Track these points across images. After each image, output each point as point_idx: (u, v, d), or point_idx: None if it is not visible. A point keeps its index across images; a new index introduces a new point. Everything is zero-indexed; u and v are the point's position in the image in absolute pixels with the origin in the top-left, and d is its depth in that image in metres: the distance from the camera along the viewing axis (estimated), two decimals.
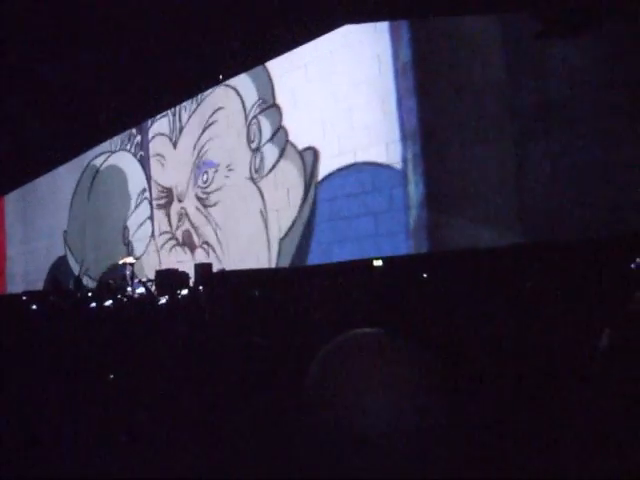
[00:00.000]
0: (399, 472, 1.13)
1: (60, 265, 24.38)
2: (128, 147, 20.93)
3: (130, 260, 16.64)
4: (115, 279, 19.81)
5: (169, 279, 14.65)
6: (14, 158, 22.21)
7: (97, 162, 22.47)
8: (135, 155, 20.53)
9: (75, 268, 23.13)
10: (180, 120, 18.43)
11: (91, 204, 22.88)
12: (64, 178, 24.13)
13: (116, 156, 21.57)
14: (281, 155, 14.87)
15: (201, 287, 12.55)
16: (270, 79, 15.24)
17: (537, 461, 1.83)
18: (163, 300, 8.64)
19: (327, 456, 1.18)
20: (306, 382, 1.24)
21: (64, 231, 24.32)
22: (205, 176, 17.31)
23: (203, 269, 14.67)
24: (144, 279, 17.22)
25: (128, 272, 16.30)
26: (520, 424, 2.05)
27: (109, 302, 8.19)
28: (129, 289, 15.80)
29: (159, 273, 16.10)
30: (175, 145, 18.62)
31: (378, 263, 10.79)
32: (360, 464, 1.15)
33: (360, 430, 1.14)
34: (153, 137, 19.67)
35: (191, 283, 14.60)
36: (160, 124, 19.31)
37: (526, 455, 1.85)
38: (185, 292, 10.18)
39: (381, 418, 1.13)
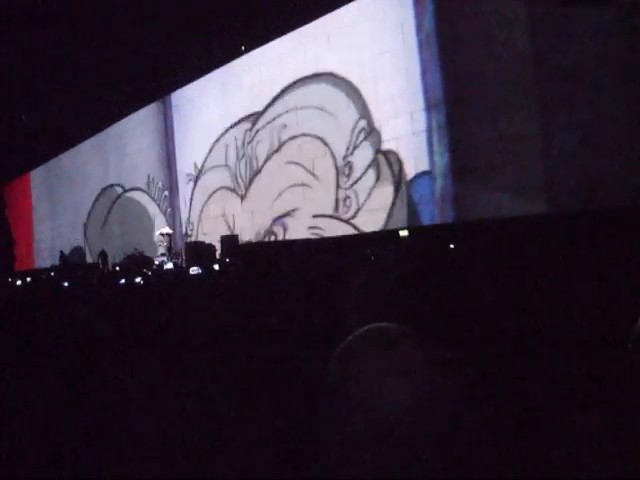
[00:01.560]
0: (411, 467, 1.16)
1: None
2: None
3: (167, 230, 16.68)
4: (141, 252, 19.98)
5: (197, 251, 14.77)
6: (39, 133, 22.42)
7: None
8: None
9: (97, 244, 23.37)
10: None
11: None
12: (89, 154, 24.29)
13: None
14: None
15: (227, 259, 12.64)
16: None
17: (562, 461, 1.83)
18: (193, 271, 8.71)
19: (340, 450, 1.22)
20: (327, 373, 1.27)
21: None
22: None
23: (229, 241, 14.76)
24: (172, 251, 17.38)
25: (165, 243, 16.35)
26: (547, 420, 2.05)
27: (138, 278, 8.24)
28: (164, 260, 15.95)
29: (187, 245, 16.24)
30: None
31: (404, 233, 10.78)
32: (373, 458, 1.18)
33: (378, 424, 1.17)
34: None
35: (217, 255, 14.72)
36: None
37: (548, 454, 1.86)
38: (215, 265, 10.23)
39: (398, 414, 1.15)
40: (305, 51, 14.77)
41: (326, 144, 14.16)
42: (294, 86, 15.10)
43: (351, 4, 13.33)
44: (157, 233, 17.72)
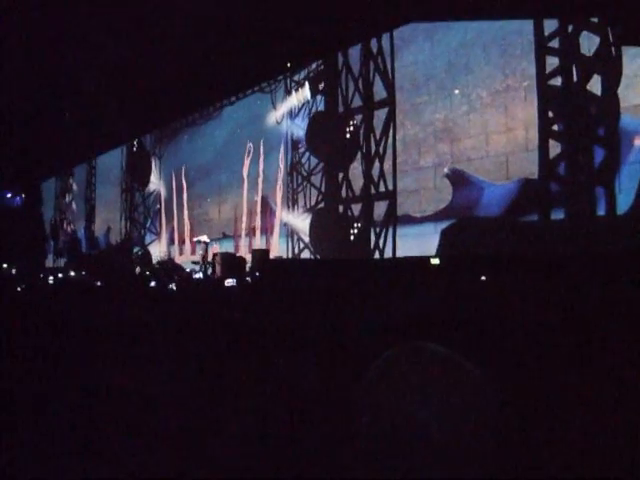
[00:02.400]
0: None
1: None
2: None
3: (204, 239, 16.84)
4: (172, 259, 20.25)
5: (228, 263, 14.91)
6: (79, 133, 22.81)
7: None
8: None
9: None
10: None
11: None
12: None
13: None
14: None
15: (257, 273, 12.75)
16: None
17: None
18: (228, 283, 8.81)
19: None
20: (359, 389, 1.32)
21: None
22: None
23: (260, 255, 14.89)
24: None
25: (201, 251, 16.48)
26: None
27: (172, 284, 8.38)
28: (194, 269, 16.13)
29: (219, 256, 16.40)
30: None
31: (435, 261, 10.79)
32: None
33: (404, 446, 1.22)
34: None
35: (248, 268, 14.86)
36: None
37: None
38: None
39: (427, 437, 1.19)
40: None
41: None
42: None
43: None
44: (194, 239, 17.95)
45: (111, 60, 16.86)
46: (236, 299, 6.27)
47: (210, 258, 15.79)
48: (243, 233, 18.87)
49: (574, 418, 2.26)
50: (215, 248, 17.22)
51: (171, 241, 22.66)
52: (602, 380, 2.62)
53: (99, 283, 9.02)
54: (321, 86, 16.18)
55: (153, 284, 10.08)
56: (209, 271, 15.56)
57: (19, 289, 10.45)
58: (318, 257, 15.47)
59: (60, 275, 15.90)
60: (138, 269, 18.09)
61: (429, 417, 1.28)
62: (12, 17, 14.15)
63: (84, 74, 18.39)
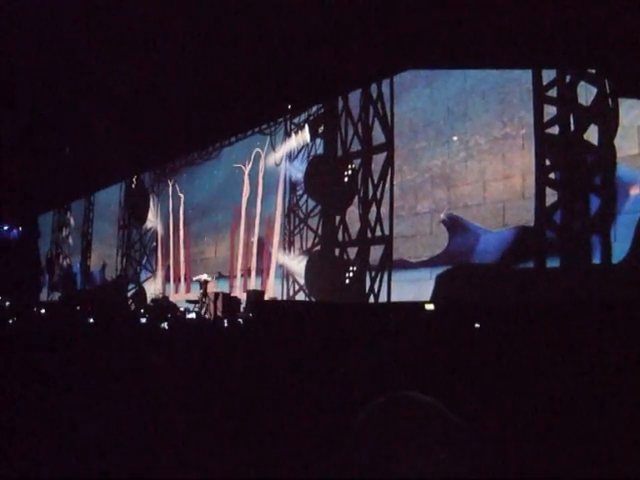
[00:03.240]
0: None
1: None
2: None
3: (205, 277, 16.79)
4: (166, 297, 20.18)
5: (222, 303, 14.90)
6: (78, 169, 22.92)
7: None
8: None
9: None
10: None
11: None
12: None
13: None
14: None
15: (251, 314, 12.70)
16: None
17: None
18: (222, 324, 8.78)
19: None
20: (348, 437, 1.30)
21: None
22: None
23: (255, 296, 14.85)
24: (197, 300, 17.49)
25: (201, 290, 16.39)
26: None
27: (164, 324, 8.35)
28: (188, 308, 16.08)
29: (220, 296, 16.34)
30: None
31: (429, 307, 10.69)
32: None
33: None
34: None
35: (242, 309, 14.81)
36: None
37: None
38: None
39: None
40: None
41: None
42: None
43: None
44: (194, 279, 17.92)
45: (113, 96, 16.97)
46: (227, 340, 6.24)
47: (211, 297, 15.74)
48: (239, 273, 18.81)
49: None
50: (211, 286, 17.10)
51: (167, 279, 22.58)
52: (599, 433, 2.59)
53: (91, 320, 8.97)
54: (321, 129, 16.26)
55: (144, 321, 10.03)
56: (203, 310, 15.49)
57: (10, 321, 10.42)
58: (313, 299, 15.41)
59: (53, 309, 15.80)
60: (132, 306, 18.02)
61: (413, 468, 1.24)
62: (15, 45, 14.30)
63: (85, 109, 18.50)
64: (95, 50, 14.39)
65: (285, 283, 16.72)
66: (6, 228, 30.69)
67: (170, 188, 23.00)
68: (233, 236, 19.30)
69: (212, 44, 13.45)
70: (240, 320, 9.73)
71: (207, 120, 17.41)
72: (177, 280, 21.97)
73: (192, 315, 14.28)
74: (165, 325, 8.16)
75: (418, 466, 1.26)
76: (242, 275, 18.59)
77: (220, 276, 19.37)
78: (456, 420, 1.34)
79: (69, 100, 17.90)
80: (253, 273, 18.13)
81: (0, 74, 16.07)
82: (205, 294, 16.03)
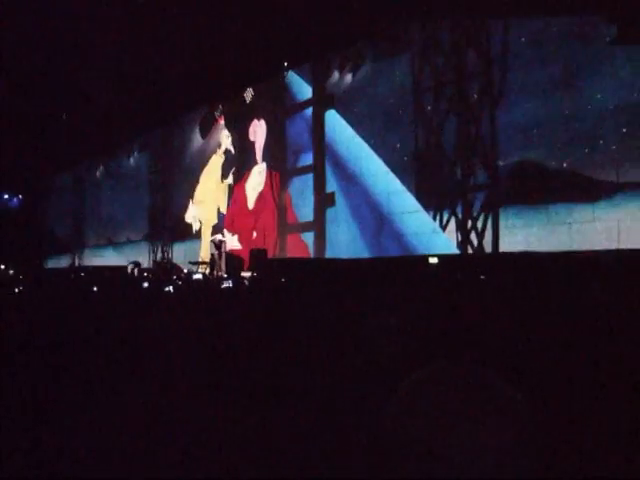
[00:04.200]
0: None
1: None
2: None
3: (219, 237, 16.76)
4: (169, 260, 20.20)
5: (224, 263, 14.92)
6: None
7: None
8: None
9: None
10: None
11: None
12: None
13: None
14: None
15: (256, 272, 12.69)
16: None
17: None
18: (226, 284, 8.74)
19: None
20: (388, 409, 1.25)
21: None
22: None
23: (259, 255, 14.81)
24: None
25: (217, 251, 16.29)
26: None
27: (169, 287, 8.30)
28: (192, 269, 16.09)
29: (213, 257, 16.32)
30: None
31: (433, 260, 10.66)
32: None
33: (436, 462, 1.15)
34: None
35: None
36: None
37: None
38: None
39: (462, 459, 1.13)
40: None
41: None
42: None
43: None
44: (211, 239, 17.91)
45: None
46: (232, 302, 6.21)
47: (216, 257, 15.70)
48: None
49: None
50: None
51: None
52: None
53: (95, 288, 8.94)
54: None
55: (146, 285, 10.01)
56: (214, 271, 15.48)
57: (17, 290, 10.41)
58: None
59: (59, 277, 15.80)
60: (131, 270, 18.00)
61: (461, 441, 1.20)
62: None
63: (84, 76, 18.40)
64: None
65: None
66: (6, 197, 30.60)
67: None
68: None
69: None
70: (245, 281, 9.71)
71: None
72: None
73: (198, 276, 14.25)
74: (170, 288, 8.13)
75: (467, 439, 1.22)
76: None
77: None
78: (508, 389, 1.29)
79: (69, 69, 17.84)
80: None
81: None
82: (220, 253, 15.95)
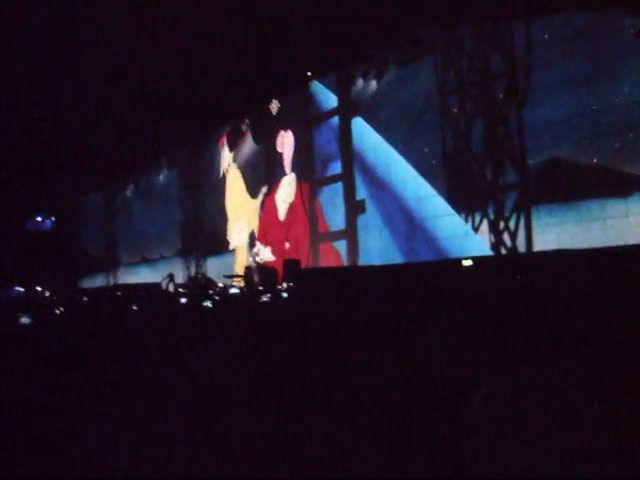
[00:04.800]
0: None
1: None
2: None
3: (256, 250, 16.91)
4: (204, 274, 20.31)
5: (259, 275, 14.97)
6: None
7: None
8: None
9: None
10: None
11: None
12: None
13: None
14: None
15: (291, 283, 12.71)
16: None
17: None
18: (263, 298, 8.77)
19: None
20: (467, 416, 1.27)
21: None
22: None
23: (292, 265, 14.83)
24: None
25: (253, 264, 16.43)
26: None
27: (207, 302, 8.37)
28: (228, 284, 16.15)
29: (249, 269, 16.39)
30: None
31: (467, 263, 10.61)
32: None
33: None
34: None
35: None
36: None
37: None
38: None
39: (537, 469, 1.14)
40: None
41: None
42: None
43: None
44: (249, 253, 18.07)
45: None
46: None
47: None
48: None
49: None
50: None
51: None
52: None
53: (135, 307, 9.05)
54: None
55: (184, 301, 10.08)
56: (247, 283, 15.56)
57: (57, 312, 10.54)
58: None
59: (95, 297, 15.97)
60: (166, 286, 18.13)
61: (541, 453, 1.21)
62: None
63: (112, 96, 18.64)
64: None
65: None
66: (40, 219, 30.98)
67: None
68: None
69: None
70: (284, 294, 9.74)
71: None
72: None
73: (235, 290, 14.31)
74: (208, 303, 8.19)
75: (540, 450, 1.24)
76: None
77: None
78: (580, 398, 1.31)
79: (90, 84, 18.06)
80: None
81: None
82: (256, 268, 16.04)
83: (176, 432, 3.01)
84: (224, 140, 21.64)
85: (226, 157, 21.66)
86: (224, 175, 21.71)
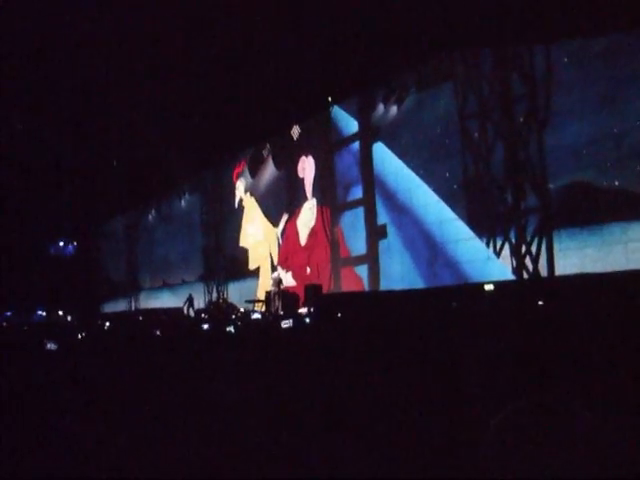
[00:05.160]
0: None
1: None
2: None
3: (277, 274, 17.02)
4: (225, 299, 20.35)
5: (280, 300, 15.02)
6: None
7: None
8: None
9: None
10: None
11: None
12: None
13: None
14: None
15: (312, 308, 12.73)
16: None
17: None
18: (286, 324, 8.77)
19: None
20: (484, 443, 1.29)
21: None
22: None
23: (314, 290, 14.87)
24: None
25: (275, 289, 16.51)
26: None
27: (230, 327, 8.40)
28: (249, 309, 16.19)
29: (270, 294, 16.42)
30: None
31: (489, 287, 10.57)
32: None
33: None
34: None
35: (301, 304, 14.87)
36: None
37: None
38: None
39: None
40: None
41: None
42: None
43: None
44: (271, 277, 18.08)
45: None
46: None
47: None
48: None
49: None
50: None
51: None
52: None
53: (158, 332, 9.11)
54: None
55: (206, 327, 10.11)
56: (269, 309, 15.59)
57: (80, 337, 10.62)
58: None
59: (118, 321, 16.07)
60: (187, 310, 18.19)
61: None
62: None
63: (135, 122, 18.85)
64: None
65: None
66: (62, 244, 31.26)
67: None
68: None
69: None
70: (306, 319, 9.76)
71: None
72: None
73: (257, 316, 14.35)
74: (231, 329, 8.22)
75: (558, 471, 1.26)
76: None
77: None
78: (596, 423, 1.33)
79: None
80: None
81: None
82: (278, 293, 16.06)
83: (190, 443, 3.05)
84: (243, 166, 21.77)
85: (246, 183, 21.78)
86: (244, 200, 21.81)
